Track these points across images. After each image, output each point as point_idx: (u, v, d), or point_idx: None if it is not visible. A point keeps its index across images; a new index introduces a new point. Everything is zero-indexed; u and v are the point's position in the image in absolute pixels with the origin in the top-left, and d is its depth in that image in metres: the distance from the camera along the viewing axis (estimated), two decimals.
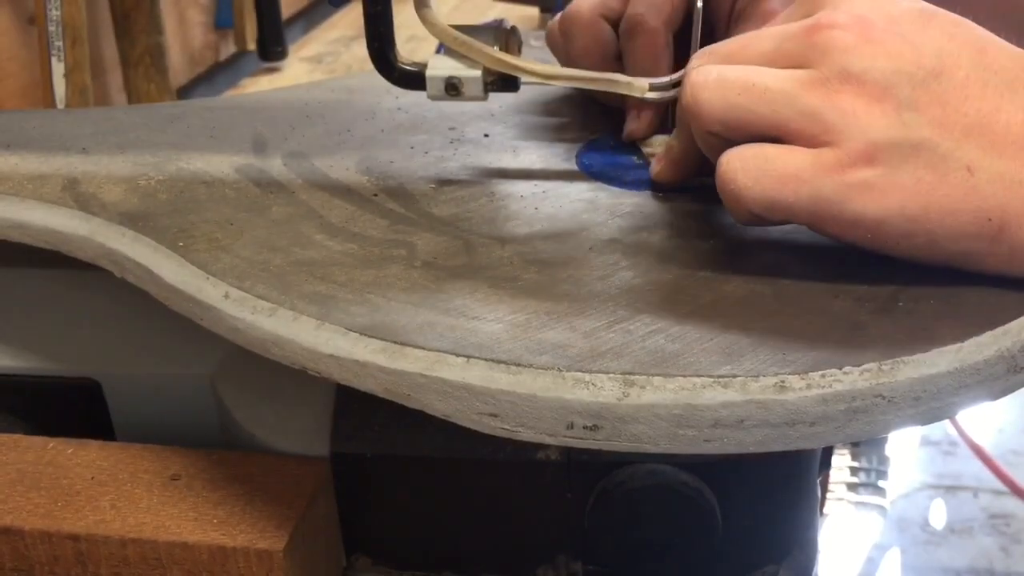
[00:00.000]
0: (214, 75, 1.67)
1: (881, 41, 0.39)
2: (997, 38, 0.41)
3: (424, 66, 0.49)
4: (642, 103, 0.52)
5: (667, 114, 0.54)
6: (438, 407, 0.38)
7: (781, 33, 0.42)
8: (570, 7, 0.56)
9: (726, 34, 0.53)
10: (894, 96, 0.38)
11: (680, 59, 0.53)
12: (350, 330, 0.39)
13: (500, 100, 0.57)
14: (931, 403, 0.36)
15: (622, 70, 0.52)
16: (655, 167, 0.49)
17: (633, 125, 0.53)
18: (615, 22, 0.54)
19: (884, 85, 0.39)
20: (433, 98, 0.49)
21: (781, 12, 0.46)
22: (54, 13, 1.19)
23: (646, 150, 0.53)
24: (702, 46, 0.50)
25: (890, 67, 0.39)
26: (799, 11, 0.43)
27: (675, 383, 0.36)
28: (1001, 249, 0.39)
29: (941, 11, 0.41)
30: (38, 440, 0.48)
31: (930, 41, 0.39)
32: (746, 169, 0.40)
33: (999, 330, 0.37)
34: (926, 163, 0.38)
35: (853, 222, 0.39)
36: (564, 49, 0.56)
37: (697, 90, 0.41)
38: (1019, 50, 0.40)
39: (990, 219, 0.38)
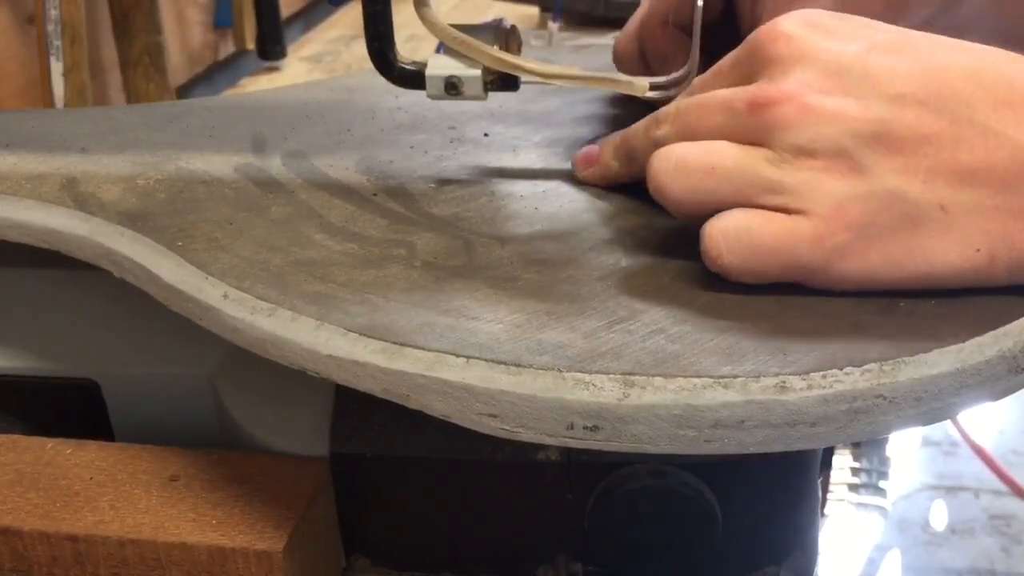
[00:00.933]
0: (213, 74, 1.67)
1: (821, 107, 0.39)
2: (941, 46, 0.40)
3: (424, 65, 0.48)
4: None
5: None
6: (438, 408, 0.38)
7: (728, 106, 0.41)
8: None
9: (752, 18, 0.53)
10: (849, 158, 0.38)
11: (711, 48, 0.52)
12: (349, 330, 0.39)
13: (500, 99, 0.57)
14: (932, 403, 0.36)
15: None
16: (581, 170, 0.49)
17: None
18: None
19: (836, 151, 0.38)
20: (433, 97, 0.49)
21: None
22: (53, 12, 1.19)
23: None
24: (725, 39, 0.50)
25: (836, 132, 0.38)
26: (740, 69, 0.43)
27: (675, 384, 0.36)
28: (999, 274, 0.38)
29: (883, 34, 0.40)
30: (37, 440, 0.48)
31: (873, 88, 0.39)
32: (729, 246, 0.39)
33: (1000, 330, 0.37)
34: (899, 213, 0.38)
35: (840, 281, 0.39)
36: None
37: (660, 178, 0.41)
38: (968, 59, 0.39)
39: (978, 250, 0.38)
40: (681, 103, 0.44)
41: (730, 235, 0.40)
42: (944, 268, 0.38)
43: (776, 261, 0.39)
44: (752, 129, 0.40)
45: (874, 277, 0.39)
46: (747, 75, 0.42)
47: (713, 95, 0.43)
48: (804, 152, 0.39)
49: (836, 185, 0.38)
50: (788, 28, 0.41)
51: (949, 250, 0.38)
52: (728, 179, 0.40)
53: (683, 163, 0.41)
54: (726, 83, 0.43)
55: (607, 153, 0.49)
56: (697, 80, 0.46)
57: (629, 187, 0.49)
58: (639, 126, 0.47)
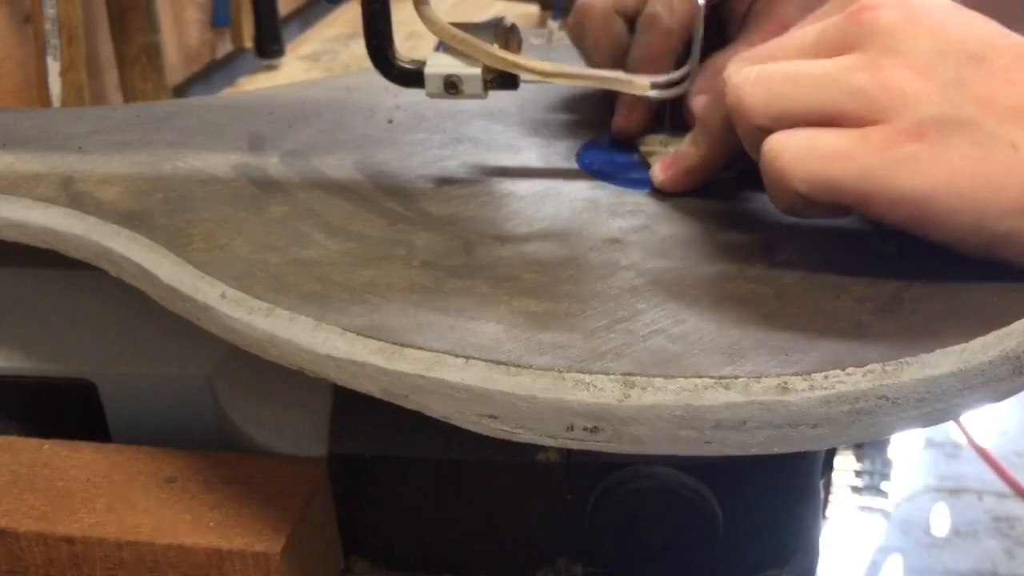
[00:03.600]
0: (211, 73, 1.66)
1: (926, 22, 0.40)
2: None
3: (423, 64, 0.48)
4: (633, 99, 0.51)
5: (658, 112, 0.54)
6: (437, 408, 0.37)
7: (821, 25, 0.42)
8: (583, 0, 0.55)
9: (737, 35, 0.53)
10: (940, 74, 0.39)
11: (682, 60, 0.52)
12: (348, 330, 0.39)
13: (500, 98, 0.56)
14: (935, 404, 0.36)
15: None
16: (660, 175, 0.48)
17: (622, 122, 0.53)
18: (630, 16, 0.54)
19: (930, 63, 0.39)
20: (432, 96, 0.49)
21: (795, 14, 0.46)
22: (50, 11, 1.18)
23: (643, 148, 0.53)
24: (714, 47, 0.50)
25: (935, 47, 0.39)
26: (836, 6, 0.43)
27: (676, 384, 0.35)
28: None
29: (975, 12, 0.42)
30: (33, 442, 0.47)
31: (972, 29, 0.40)
32: (791, 148, 0.40)
33: (1003, 331, 0.37)
34: (972, 140, 0.38)
35: (901, 198, 0.39)
36: (578, 42, 0.56)
37: (739, 88, 0.42)
38: None
39: None
40: (757, 48, 0.44)
41: (793, 140, 0.40)
42: (999, 207, 0.38)
43: (840, 165, 0.39)
44: (849, 34, 0.41)
45: (932, 205, 0.39)
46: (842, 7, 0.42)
47: (799, 29, 0.43)
48: (899, 55, 0.39)
49: (921, 97, 0.39)
50: None
51: (1010, 187, 0.38)
52: (811, 85, 0.40)
53: (764, 72, 0.41)
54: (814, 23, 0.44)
55: (683, 145, 0.48)
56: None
57: (631, 189, 0.49)
58: (707, 99, 0.47)
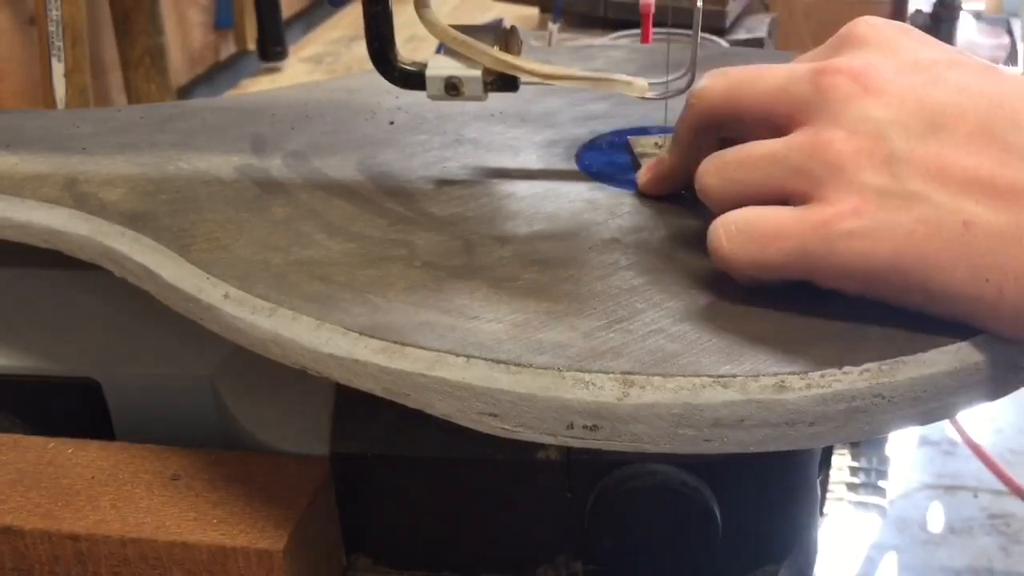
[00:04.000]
0: (214, 75, 1.67)
1: (881, 92, 0.38)
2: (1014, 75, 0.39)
3: (424, 66, 0.49)
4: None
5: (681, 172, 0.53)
6: (438, 407, 0.38)
7: (791, 71, 0.41)
8: None
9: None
10: (885, 147, 0.37)
11: None
12: (350, 330, 0.39)
13: (500, 100, 0.57)
14: (931, 403, 0.36)
15: None
16: (642, 177, 0.49)
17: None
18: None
19: (876, 136, 0.38)
20: (433, 98, 0.49)
21: None
22: (54, 13, 1.19)
23: (637, 150, 0.53)
24: None
25: (885, 118, 0.38)
26: (822, 53, 0.43)
27: (675, 383, 0.36)
28: (1004, 314, 0.36)
29: (966, 60, 0.40)
30: (38, 440, 0.48)
31: (937, 94, 0.38)
32: (729, 235, 0.39)
33: None
34: (919, 216, 0.36)
35: (844, 274, 0.38)
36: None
37: (702, 176, 0.42)
38: None
39: (988, 280, 0.35)
40: (729, 68, 0.44)
41: (730, 226, 0.40)
42: (950, 290, 0.36)
43: (778, 247, 0.38)
44: (804, 98, 0.40)
45: (878, 282, 0.37)
46: (828, 56, 0.42)
47: (777, 65, 0.43)
48: (845, 128, 0.38)
49: (860, 172, 0.37)
50: (880, 21, 0.42)
51: (960, 268, 0.36)
52: (759, 167, 0.40)
53: (722, 158, 0.42)
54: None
55: (663, 150, 0.49)
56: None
57: (630, 191, 0.50)
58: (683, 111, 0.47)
